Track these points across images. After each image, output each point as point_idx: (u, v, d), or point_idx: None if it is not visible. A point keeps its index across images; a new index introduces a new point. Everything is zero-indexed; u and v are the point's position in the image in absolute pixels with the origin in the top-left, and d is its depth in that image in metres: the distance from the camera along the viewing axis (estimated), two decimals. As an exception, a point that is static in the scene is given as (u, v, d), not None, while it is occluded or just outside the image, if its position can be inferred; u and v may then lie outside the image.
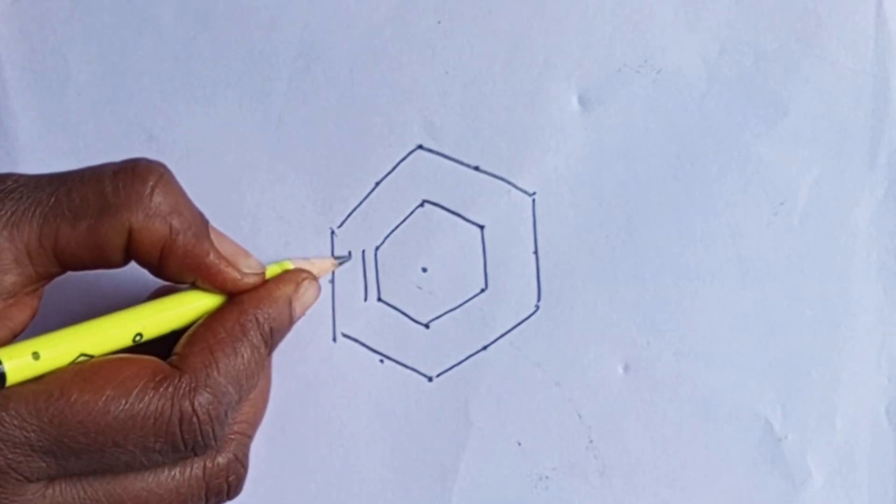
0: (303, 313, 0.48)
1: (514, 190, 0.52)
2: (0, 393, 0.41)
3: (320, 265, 0.51)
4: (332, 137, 0.52)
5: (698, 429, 0.52)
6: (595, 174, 0.52)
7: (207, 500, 0.47)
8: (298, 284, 0.48)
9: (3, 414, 0.41)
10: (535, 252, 0.52)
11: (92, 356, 0.44)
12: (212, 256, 0.46)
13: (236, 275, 0.46)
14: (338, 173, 0.52)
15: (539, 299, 0.52)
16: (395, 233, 0.52)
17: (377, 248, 0.52)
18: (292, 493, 0.53)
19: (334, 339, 0.52)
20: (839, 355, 0.52)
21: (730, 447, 0.52)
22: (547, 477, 0.53)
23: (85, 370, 0.43)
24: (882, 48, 0.51)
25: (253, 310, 0.46)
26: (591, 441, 0.53)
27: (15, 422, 0.41)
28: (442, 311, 0.52)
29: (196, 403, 0.43)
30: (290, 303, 0.48)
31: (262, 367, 0.46)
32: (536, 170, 0.52)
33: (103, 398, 0.42)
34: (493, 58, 0.51)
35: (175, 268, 0.45)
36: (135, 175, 0.44)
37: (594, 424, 0.52)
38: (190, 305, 0.46)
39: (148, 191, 0.44)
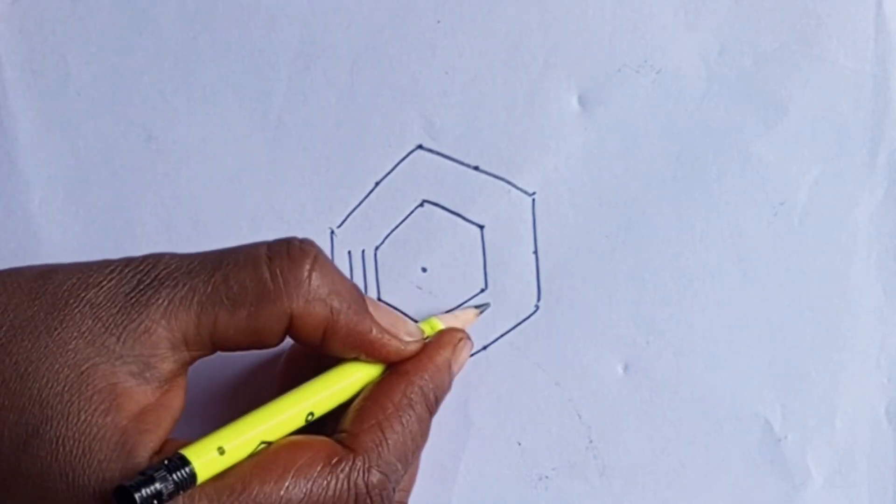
0: (459, 372, 0.49)
1: (513, 190, 0.52)
2: (186, 494, 0.41)
3: (464, 318, 0.51)
4: (332, 137, 0.52)
5: (698, 429, 0.52)
6: (595, 174, 0.52)
7: None
8: (455, 346, 0.49)
9: None
10: (535, 252, 0.52)
11: (270, 442, 0.44)
12: (374, 332, 0.46)
13: (399, 346, 0.46)
14: (337, 173, 0.52)
15: (539, 299, 0.52)
16: (394, 233, 0.52)
17: (377, 248, 0.52)
18: (292, 492, 0.53)
19: (334, 339, 0.52)
20: (839, 355, 0.52)
21: (729, 447, 0.52)
22: (547, 477, 0.53)
23: (263, 460, 0.43)
24: (882, 48, 0.51)
25: (418, 381, 0.46)
26: (590, 441, 0.53)
27: None
28: (442, 311, 0.52)
29: (370, 484, 0.44)
30: (449, 367, 0.48)
31: (426, 436, 0.47)
32: (536, 170, 0.52)
33: (284, 487, 0.42)
34: (493, 58, 0.51)
35: (338, 347, 0.45)
36: (291, 259, 0.44)
37: (594, 424, 0.52)
38: (355, 377, 0.47)
39: (305, 275, 0.44)
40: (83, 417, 0.41)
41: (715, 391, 0.52)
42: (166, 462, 0.41)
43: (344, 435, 0.45)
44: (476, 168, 0.52)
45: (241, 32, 0.51)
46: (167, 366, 0.43)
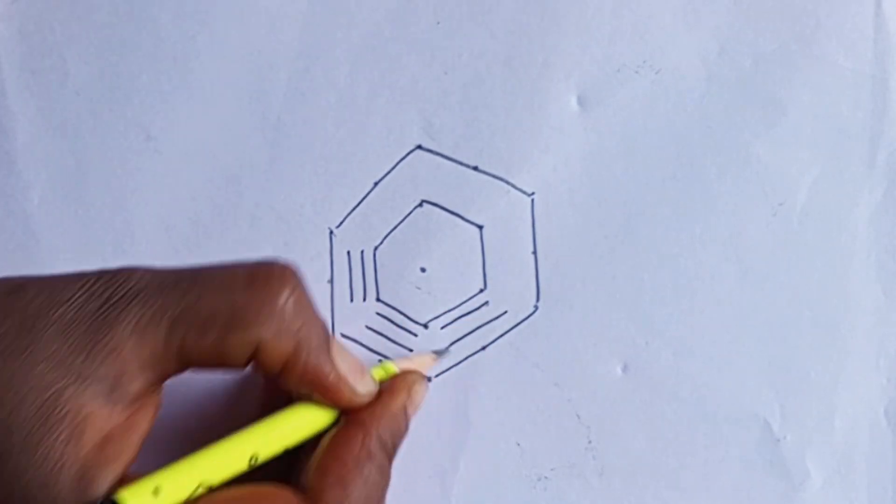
0: (415, 414, 0.49)
1: (512, 190, 0.52)
2: None
3: (420, 361, 0.51)
4: (331, 137, 0.52)
5: (697, 429, 0.52)
6: (594, 174, 0.52)
7: None
8: (410, 390, 0.48)
9: None
10: (534, 252, 0.52)
11: (211, 486, 0.43)
12: (332, 377, 0.45)
13: (352, 396, 0.46)
14: (337, 173, 0.52)
15: (538, 299, 0.52)
16: (393, 233, 0.52)
17: (376, 248, 0.52)
18: (291, 493, 0.53)
19: (333, 340, 0.52)
20: (838, 356, 0.52)
21: (729, 447, 0.52)
22: (546, 477, 0.53)
23: None
24: (881, 49, 0.51)
25: (375, 430, 0.46)
26: (589, 441, 0.53)
27: None
28: (441, 311, 0.52)
29: None
30: (405, 412, 0.48)
31: (388, 480, 0.46)
32: (535, 170, 0.52)
33: None
34: (493, 58, 0.51)
35: (293, 382, 0.45)
36: (268, 287, 0.43)
37: (593, 425, 0.52)
38: (302, 422, 0.46)
39: (281, 305, 0.43)
40: (42, 450, 0.41)
41: (714, 391, 0.52)
42: (100, 502, 0.41)
43: (308, 492, 0.44)
44: (475, 168, 0.52)
45: (240, 32, 0.51)
46: (136, 385, 0.43)
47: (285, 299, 0.43)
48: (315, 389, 0.45)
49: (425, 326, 0.52)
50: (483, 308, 0.52)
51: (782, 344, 0.52)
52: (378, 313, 0.52)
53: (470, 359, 0.52)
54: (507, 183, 0.52)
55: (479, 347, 0.52)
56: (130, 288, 0.43)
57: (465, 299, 0.52)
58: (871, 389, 0.52)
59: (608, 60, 0.51)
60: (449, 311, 0.52)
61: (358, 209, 0.52)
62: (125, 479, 0.42)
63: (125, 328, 0.42)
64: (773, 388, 0.52)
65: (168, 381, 0.44)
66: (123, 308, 0.42)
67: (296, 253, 0.52)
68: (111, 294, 0.43)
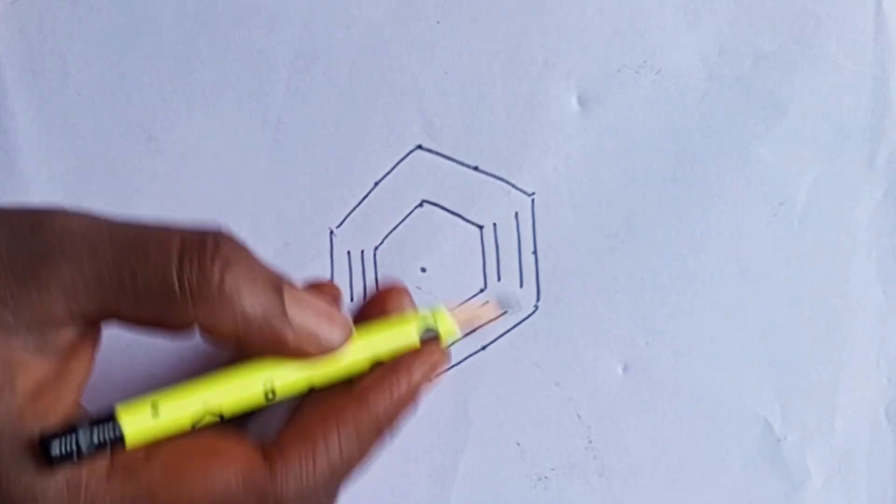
0: (429, 392, 0.47)
1: (513, 190, 0.52)
2: (86, 465, 0.40)
3: (480, 314, 0.49)
4: (332, 137, 0.52)
5: (697, 429, 0.52)
6: (594, 174, 0.52)
7: None
8: (426, 374, 0.46)
9: (90, 485, 0.40)
10: (535, 252, 0.52)
11: (221, 414, 0.42)
12: (291, 340, 0.42)
13: (322, 348, 0.43)
14: (337, 173, 0.52)
15: (538, 299, 0.52)
16: (394, 233, 0.52)
17: (376, 249, 0.52)
18: (291, 493, 0.53)
19: (334, 340, 0.52)
20: (838, 356, 0.52)
21: (729, 447, 0.52)
22: (546, 477, 0.53)
23: (175, 465, 0.41)
24: (882, 48, 0.51)
25: (374, 409, 0.44)
26: (590, 441, 0.53)
27: (97, 497, 0.40)
28: (462, 302, 0.52)
29: None
30: (417, 393, 0.45)
31: (361, 463, 0.44)
32: (536, 170, 0.52)
33: (189, 496, 0.41)
34: (493, 58, 0.51)
35: (254, 352, 0.43)
36: (201, 265, 0.40)
37: (593, 424, 0.53)
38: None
39: (215, 285, 0.40)
40: None
41: (715, 391, 0.52)
42: (95, 416, 0.40)
43: (272, 445, 0.43)
44: (476, 168, 0.52)
45: (240, 32, 0.51)
46: (67, 337, 0.41)
47: (219, 277, 0.41)
48: (279, 354, 0.43)
49: (426, 326, 0.52)
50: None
51: (782, 344, 0.52)
52: (378, 313, 0.52)
53: (470, 358, 0.52)
54: (508, 183, 0.52)
55: (479, 347, 0.52)
56: (62, 241, 0.40)
57: (465, 299, 0.52)
58: (872, 389, 0.52)
59: (608, 60, 0.51)
60: (449, 310, 0.52)
61: (358, 209, 0.52)
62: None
63: (56, 288, 0.40)
64: (774, 388, 0.52)
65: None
66: (55, 265, 0.40)
67: (296, 253, 0.52)
68: (41, 247, 0.40)
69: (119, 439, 0.40)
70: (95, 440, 0.40)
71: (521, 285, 0.52)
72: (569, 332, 0.52)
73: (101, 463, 0.41)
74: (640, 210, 0.52)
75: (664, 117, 0.52)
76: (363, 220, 0.52)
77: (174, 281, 0.40)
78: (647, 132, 0.52)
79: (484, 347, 0.52)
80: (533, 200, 0.52)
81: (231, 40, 0.51)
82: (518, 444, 0.53)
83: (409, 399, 0.45)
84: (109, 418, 0.40)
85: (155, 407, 0.41)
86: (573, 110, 0.52)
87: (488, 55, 0.51)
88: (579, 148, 0.52)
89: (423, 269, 0.52)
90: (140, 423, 0.41)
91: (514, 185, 0.52)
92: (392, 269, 0.52)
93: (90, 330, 0.42)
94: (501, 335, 0.52)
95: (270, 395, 0.42)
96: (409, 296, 0.50)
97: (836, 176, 0.52)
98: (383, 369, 0.45)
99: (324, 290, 0.48)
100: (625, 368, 0.52)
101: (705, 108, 0.52)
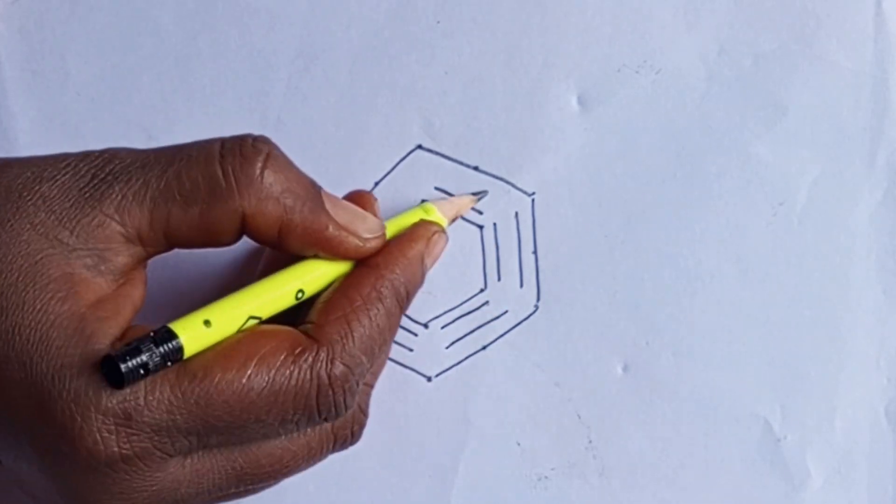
0: (432, 266, 0.49)
1: (513, 190, 0.52)
2: (147, 380, 0.41)
3: (459, 203, 0.51)
4: (332, 137, 0.52)
5: (697, 429, 0.52)
6: (594, 174, 0.52)
7: (334, 448, 0.47)
8: (429, 240, 0.48)
9: (151, 399, 0.41)
10: (535, 252, 0.52)
11: (259, 318, 0.44)
12: (331, 229, 0.45)
13: (358, 243, 0.46)
14: (337, 173, 0.52)
15: (538, 299, 0.52)
16: (394, 233, 0.52)
17: (376, 249, 0.52)
18: (291, 493, 0.53)
19: (334, 339, 0.52)
20: (838, 355, 0.52)
21: (729, 447, 0.52)
22: (546, 477, 0.53)
23: (226, 348, 0.42)
24: (881, 48, 0.51)
25: (389, 274, 0.46)
26: (590, 441, 0.53)
27: (162, 406, 0.41)
28: (441, 311, 0.52)
29: (332, 376, 0.43)
30: (422, 261, 0.48)
31: (395, 331, 0.46)
32: (536, 170, 0.52)
33: (246, 376, 0.42)
34: (493, 58, 0.51)
35: (295, 245, 0.45)
36: (243, 156, 0.43)
37: (593, 424, 0.52)
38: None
39: (258, 173, 0.43)
40: (38, 306, 0.41)
41: (714, 391, 0.52)
42: (152, 334, 0.41)
43: (309, 326, 0.44)
44: (476, 168, 0.52)
45: (240, 32, 0.51)
46: (122, 259, 0.43)
47: (261, 165, 0.43)
48: (318, 246, 0.45)
49: (425, 326, 0.52)
50: (483, 308, 0.52)
51: (782, 344, 0.52)
52: (378, 313, 0.52)
53: (470, 359, 0.52)
54: (508, 183, 0.52)
55: (479, 347, 0.52)
56: (114, 167, 0.43)
57: (465, 299, 0.52)
58: (872, 389, 0.52)
59: (608, 60, 0.51)
60: (449, 310, 0.52)
61: (358, 209, 0.52)
62: (126, 338, 0.42)
63: (109, 204, 0.42)
64: (774, 388, 0.52)
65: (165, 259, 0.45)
66: (108, 186, 0.43)
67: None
68: (95, 173, 0.43)
69: (178, 351, 0.41)
70: (158, 357, 0.41)
71: (521, 285, 0.52)
72: (569, 332, 0.52)
73: (169, 375, 0.42)
74: (640, 210, 0.52)
75: (664, 117, 0.52)
76: (363, 220, 0.52)
77: (218, 173, 0.43)
78: (647, 132, 0.52)
79: (484, 347, 0.52)
80: (533, 200, 0.52)
81: (231, 40, 0.51)
82: (518, 444, 0.53)
83: (416, 265, 0.47)
84: (167, 334, 0.41)
85: (206, 319, 0.42)
86: (573, 110, 0.52)
87: (488, 55, 0.51)
88: (579, 148, 0.52)
89: (423, 269, 0.52)
90: (195, 333, 0.42)
91: (514, 185, 0.52)
92: (392, 269, 0.52)
93: (143, 261, 0.44)
94: (501, 335, 0.52)
95: (300, 295, 0.45)
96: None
97: (836, 176, 0.52)
98: (389, 244, 0.47)
99: (356, 198, 0.50)
100: (625, 368, 0.52)
101: (705, 108, 0.52)
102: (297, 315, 0.45)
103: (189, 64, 0.51)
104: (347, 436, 0.47)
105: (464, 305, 0.52)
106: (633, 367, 0.52)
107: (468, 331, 0.52)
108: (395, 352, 0.52)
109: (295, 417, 0.43)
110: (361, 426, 0.48)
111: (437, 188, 0.52)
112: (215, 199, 0.43)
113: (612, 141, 0.52)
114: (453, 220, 0.51)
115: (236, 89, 0.51)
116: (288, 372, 0.43)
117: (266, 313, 0.44)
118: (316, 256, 0.46)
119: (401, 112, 0.52)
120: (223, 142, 0.44)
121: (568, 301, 0.52)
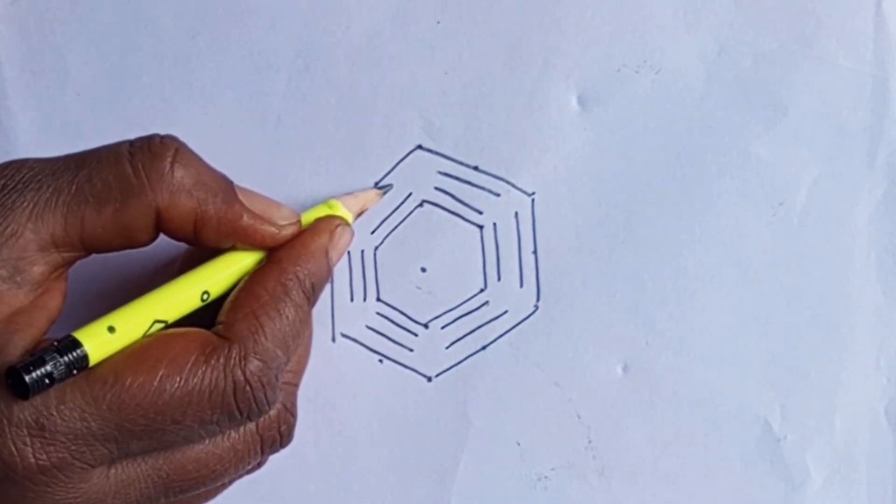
0: (338, 261, 0.49)
1: (513, 190, 0.52)
2: (56, 388, 0.41)
3: (364, 197, 0.51)
4: (332, 137, 0.52)
5: (697, 429, 0.52)
6: (594, 174, 0.52)
7: (262, 452, 0.47)
8: (333, 233, 0.48)
9: (62, 407, 0.41)
10: (535, 252, 0.52)
11: (166, 321, 0.44)
12: (245, 218, 0.45)
13: (274, 230, 0.46)
14: (337, 173, 0.52)
15: (538, 299, 0.52)
16: (394, 233, 0.52)
17: (376, 248, 0.52)
18: (291, 493, 0.53)
19: (333, 340, 0.52)
20: (838, 355, 0.52)
21: (729, 447, 0.52)
22: (546, 477, 0.53)
23: (136, 352, 0.43)
24: (881, 48, 0.51)
25: (292, 267, 0.46)
26: (590, 441, 0.53)
27: (75, 414, 0.41)
28: (441, 311, 0.52)
29: (248, 372, 0.43)
30: (326, 253, 0.48)
31: (306, 325, 0.47)
32: (536, 170, 0.52)
33: (157, 378, 0.42)
34: (493, 58, 0.51)
35: (211, 237, 0.45)
36: (153, 153, 0.44)
37: (593, 424, 0.52)
38: (250, 257, 0.46)
39: (168, 168, 0.44)
40: None
41: (715, 391, 0.52)
42: (56, 343, 0.41)
43: (219, 326, 0.44)
44: (475, 168, 0.52)
45: (240, 32, 0.51)
46: (38, 269, 0.43)
47: (171, 161, 0.44)
48: (234, 237, 0.45)
49: (425, 326, 0.52)
50: (483, 308, 0.52)
51: (782, 344, 0.52)
52: (378, 313, 0.52)
53: (470, 358, 0.52)
54: (508, 183, 0.52)
55: (479, 347, 0.52)
56: (23, 176, 0.43)
57: (465, 299, 0.52)
58: (872, 389, 0.52)
59: (608, 60, 0.51)
60: (449, 310, 0.52)
61: (358, 209, 0.52)
62: (38, 350, 0.42)
63: (21, 213, 0.42)
64: (774, 387, 0.52)
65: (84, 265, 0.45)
66: (19, 195, 0.43)
67: (296, 253, 0.52)
68: (5, 184, 0.43)
69: (83, 359, 0.41)
70: (62, 365, 0.41)
71: (521, 285, 0.52)
72: (569, 332, 0.52)
73: (79, 382, 0.42)
74: (640, 210, 0.52)
75: (664, 117, 0.52)
76: (363, 219, 0.52)
77: (129, 170, 0.43)
78: (646, 132, 0.52)
79: (484, 347, 0.52)
80: (533, 200, 0.52)
81: (231, 40, 0.51)
82: (518, 444, 0.53)
83: (321, 258, 0.47)
84: (71, 343, 0.41)
85: (110, 325, 0.42)
86: (573, 110, 0.52)
87: (488, 55, 0.51)
88: (579, 148, 0.52)
89: (424, 269, 0.52)
90: (99, 341, 0.42)
91: (513, 185, 0.52)
92: (392, 269, 0.52)
93: (60, 269, 0.44)
94: (501, 335, 0.52)
95: (205, 297, 0.45)
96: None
97: (836, 176, 0.52)
98: (292, 240, 0.47)
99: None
100: (625, 368, 0.52)
101: (705, 108, 0.52)
102: (210, 318, 0.45)
103: (189, 64, 0.51)
104: (276, 437, 0.47)
105: (464, 305, 0.52)
106: (633, 367, 0.52)
107: (468, 331, 0.52)
108: (395, 352, 0.52)
109: (214, 418, 0.43)
110: (290, 426, 0.47)
111: (437, 188, 0.52)
112: (128, 197, 0.43)
113: (612, 141, 0.52)
114: (359, 215, 0.51)
115: (236, 89, 0.51)
116: (200, 372, 0.43)
117: (172, 316, 0.44)
118: (233, 249, 0.46)
119: (401, 112, 0.52)
120: (131, 142, 0.44)
121: (568, 301, 0.52)
